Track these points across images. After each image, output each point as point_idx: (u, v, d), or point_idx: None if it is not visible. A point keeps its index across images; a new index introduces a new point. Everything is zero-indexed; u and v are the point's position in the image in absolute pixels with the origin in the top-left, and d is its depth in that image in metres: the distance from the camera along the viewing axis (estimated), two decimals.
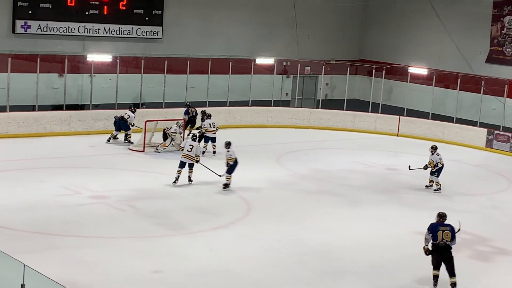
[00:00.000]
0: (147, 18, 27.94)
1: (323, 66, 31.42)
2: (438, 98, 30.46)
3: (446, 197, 20.45)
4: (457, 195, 20.74)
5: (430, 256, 13.24)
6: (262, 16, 31.13)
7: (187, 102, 26.61)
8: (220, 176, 19.53)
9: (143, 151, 23.13)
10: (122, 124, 24.27)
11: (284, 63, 31.48)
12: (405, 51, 32.81)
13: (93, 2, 26.70)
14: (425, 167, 20.88)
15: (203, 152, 23.11)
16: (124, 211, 16.88)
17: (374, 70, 31.26)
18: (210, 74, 28.66)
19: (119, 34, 27.41)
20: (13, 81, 24.84)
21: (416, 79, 30.91)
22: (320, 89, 32.51)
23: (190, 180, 19.64)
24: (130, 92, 27.46)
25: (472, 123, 28.75)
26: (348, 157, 24.79)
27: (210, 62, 28.49)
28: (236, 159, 19.18)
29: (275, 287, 13.14)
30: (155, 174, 20.52)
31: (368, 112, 30.64)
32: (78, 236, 14.97)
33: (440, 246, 12.86)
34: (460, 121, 29.10)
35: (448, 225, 13.00)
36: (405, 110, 30.37)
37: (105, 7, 26.99)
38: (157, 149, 23.30)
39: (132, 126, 24.25)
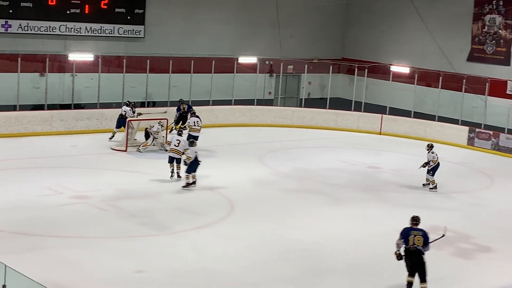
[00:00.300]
0: (129, 17, 27.87)
1: (306, 65, 31.44)
2: (420, 96, 30.58)
3: (428, 195, 20.55)
4: (439, 193, 20.80)
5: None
6: (244, 15, 31.12)
7: (180, 99, 26.71)
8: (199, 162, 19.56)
9: (125, 150, 23.05)
10: (121, 122, 24.22)
11: (267, 62, 31.47)
12: (387, 49, 32.89)
13: (75, 1, 26.59)
14: (424, 165, 21.03)
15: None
16: (107, 211, 16.82)
17: (356, 69, 31.30)
18: (193, 73, 28.59)
19: (100, 33, 27.33)
20: None
21: (398, 77, 30.99)
22: (303, 88, 32.52)
23: (178, 176, 19.77)
24: (113, 91, 27.33)
25: (454, 121, 28.89)
26: (331, 156, 24.81)
27: (192, 61, 28.44)
28: (196, 157, 19.00)
29: (258, 285, 13.14)
30: (137, 173, 20.45)
31: (350, 110, 30.69)
32: (61, 237, 14.90)
33: (411, 250, 12.55)
34: (442, 119, 29.21)
35: (421, 230, 12.62)
36: (388, 108, 30.46)
37: (87, 6, 26.90)
38: (139, 149, 23.22)
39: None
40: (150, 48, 28.36)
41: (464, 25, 30.13)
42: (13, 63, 25.07)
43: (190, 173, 19.04)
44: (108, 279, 12.87)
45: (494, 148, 27.00)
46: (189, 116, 24.39)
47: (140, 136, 23.90)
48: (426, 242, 12.56)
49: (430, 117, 29.63)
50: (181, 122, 25.75)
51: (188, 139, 23.34)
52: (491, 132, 27.43)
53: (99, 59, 26.54)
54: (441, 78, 29.54)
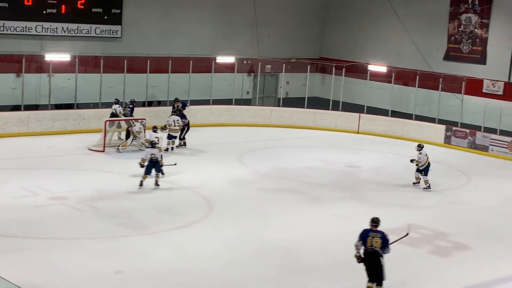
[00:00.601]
0: (106, 17, 27.71)
1: (284, 65, 31.47)
2: (397, 95, 30.72)
3: (406, 193, 20.63)
4: (417, 191, 20.92)
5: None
6: (222, 15, 31.09)
7: (176, 97, 26.69)
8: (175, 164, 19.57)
9: (103, 151, 22.95)
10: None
11: (245, 62, 31.45)
12: (364, 49, 33.00)
13: (51, 1, 26.40)
14: (411, 161, 21.27)
15: (167, 149, 23.27)
16: (85, 211, 16.73)
17: (334, 68, 31.37)
18: (171, 73, 28.54)
19: (77, 33, 27.17)
20: None
21: (376, 76, 31.12)
22: (281, 87, 32.54)
23: (162, 173, 19.80)
24: (90, 91, 27.19)
25: (431, 119, 29.07)
26: (309, 155, 24.85)
27: (170, 61, 28.37)
28: (150, 159, 18.67)
29: (237, 285, 13.13)
30: (115, 174, 20.39)
31: (328, 110, 30.76)
32: (38, 238, 14.80)
33: (368, 252, 12.30)
34: (419, 118, 29.38)
35: (380, 232, 12.36)
36: (365, 107, 30.57)
37: (63, 6, 26.70)
38: (118, 149, 23.12)
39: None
40: (127, 48, 28.21)
41: (440, 24, 30.30)
42: None
43: (146, 174, 18.78)
44: (87, 280, 12.81)
45: (470, 147, 27.18)
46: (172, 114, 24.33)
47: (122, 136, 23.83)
48: (384, 244, 12.27)
49: (408, 116, 29.79)
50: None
51: (168, 138, 23.47)
52: (467, 131, 27.61)
53: (76, 59, 26.37)
54: (418, 77, 29.71)
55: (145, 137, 23.27)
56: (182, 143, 24.47)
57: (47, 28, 26.50)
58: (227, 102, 30.17)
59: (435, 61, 29.97)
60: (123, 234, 15.39)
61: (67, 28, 26.90)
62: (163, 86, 28.46)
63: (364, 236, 12.34)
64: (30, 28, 26.16)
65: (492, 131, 27.12)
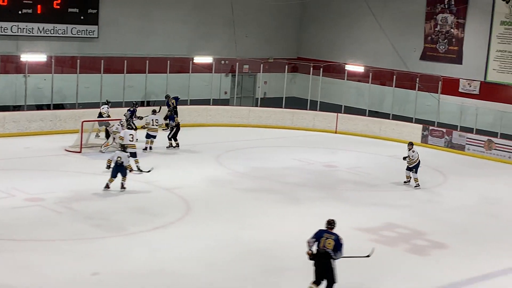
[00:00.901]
0: (82, 17, 27.55)
1: (262, 65, 31.46)
2: (374, 95, 30.82)
3: (383, 192, 20.72)
4: (394, 190, 21.02)
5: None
6: (199, 15, 31.02)
7: (166, 94, 27.08)
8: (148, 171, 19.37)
9: (80, 151, 22.81)
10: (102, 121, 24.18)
11: (223, 62, 31.41)
12: (342, 49, 33.07)
13: (27, 1, 26.19)
14: (404, 158, 21.47)
15: (145, 149, 23.37)
16: (61, 213, 16.62)
17: (312, 68, 31.41)
18: (148, 73, 28.43)
19: (53, 33, 26.98)
20: None
21: (353, 76, 31.22)
22: (259, 87, 32.53)
23: (139, 169, 19.99)
24: (66, 92, 27.06)
25: (408, 119, 29.21)
26: (287, 155, 24.87)
27: (147, 61, 28.29)
28: (116, 161, 18.40)
29: (215, 285, 13.09)
30: (92, 175, 20.24)
31: (306, 109, 30.81)
32: (14, 240, 14.67)
33: (320, 252, 12.13)
34: (396, 117, 29.53)
35: (335, 234, 12.21)
36: (343, 107, 30.64)
37: (39, 6, 26.49)
38: (101, 150, 23.00)
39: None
40: (104, 48, 28.08)
41: (417, 25, 30.46)
42: None
43: (112, 177, 18.51)
44: (64, 281, 12.72)
45: (447, 146, 27.33)
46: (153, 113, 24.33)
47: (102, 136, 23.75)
48: (337, 247, 12.09)
49: (385, 116, 29.93)
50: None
51: (146, 137, 23.42)
52: (444, 130, 27.78)
53: (52, 60, 26.18)
54: (395, 77, 29.86)
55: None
56: (175, 144, 24.29)
57: (23, 28, 26.30)
58: (205, 102, 30.12)
59: (412, 61, 30.11)
60: (100, 235, 15.29)
61: (43, 28, 26.71)
62: (140, 87, 28.37)
63: (318, 235, 12.22)
64: (5, 28, 25.94)
65: (469, 130, 27.33)
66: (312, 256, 12.24)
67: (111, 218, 16.51)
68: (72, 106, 26.74)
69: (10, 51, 26.07)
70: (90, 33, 27.84)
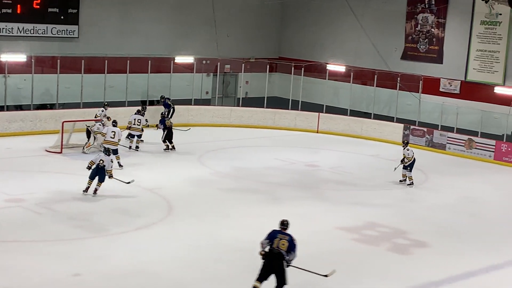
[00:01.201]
0: (62, 17, 27.34)
1: (243, 64, 31.43)
2: (356, 94, 30.88)
3: (365, 192, 20.77)
4: (376, 190, 21.06)
5: None
6: (180, 15, 30.89)
7: (162, 95, 27.58)
8: (127, 182, 18.86)
9: (60, 152, 22.68)
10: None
11: (204, 62, 31.34)
12: (323, 48, 33.09)
13: (6, 1, 25.94)
14: (402, 161, 21.47)
15: (130, 147, 23.45)
16: (42, 214, 16.51)
17: (293, 68, 31.43)
18: (129, 73, 28.30)
19: (33, 33, 26.77)
20: None
21: (334, 76, 31.27)
22: (240, 87, 32.50)
23: (120, 165, 20.10)
24: (47, 92, 26.89)
25: (389, 118, 29.31)
26: (269, 154, 24.86)
27: (128, 61, 28.13)
28: (98, 164, 18.10)
29: (196, 285, 13.07)
30: (73, 175, 20.09)
31: (288, 109, 30.82)
32: None
33: (274, 252, 12.02)
34: (378, 117, 29.60)
35: (288, 235, 12.16)
36: (324, 107, 30.68)
37: (19, 5, 26.27)
38: (84, 151, 22.87)
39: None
40: (84, 48, 27.90)
41: (398, 24, 30.53)
42: None
43: (92, 180, 18.17)
44: (44, 283, 12.66)
45: (428, 145, 27.43)
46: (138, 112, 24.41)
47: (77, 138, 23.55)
48: (291, 248, 12.05)
49: (366, 115, 30.01)
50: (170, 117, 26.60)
51: (130, 137, 23.35)
52: (425, 129, 27.88)
53: (32, 60, 25.98)
54: (376, 76, 29.91)
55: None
56: (171, 147, 24.10)
57: (2, 28, 26.08)
58: (187, 102, 30.04)
59: (393, 61, 30.17)
60: (81, 236, 15.21)
61: (23, 28, 26.51)
62: (121, 87, 28.20)
63: (272, 236, 12.13)
64: None
65: (449, 129, 27.43)
66: (264, 256, 12.15)
67: (93, 219, 16.42)
68: (53, 107, 26.53)
69: None
70: (71, 33, 27.66)
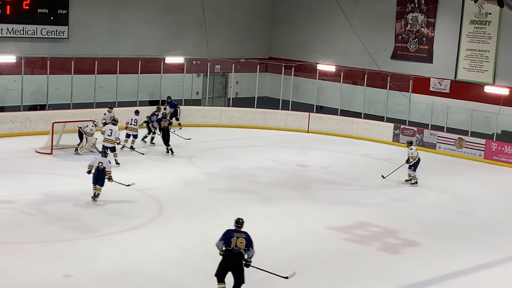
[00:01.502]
0: (52, 18, 27.25)
1: (233, 65, 31.41)
2: (346, 94, 30.89)
3: (355, 191, 20.77)
4: (366, 189, 21.08)
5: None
6: (170, 15, 30.86)
7: (168, 95, 27.83)
8: (128, 185, 18.75)
9: (50, 153, 22.59)
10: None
11: (194, 62, 31.29)
12: (313, 48, 33.11)
13: None
14: (407, 161, 21.66)
15: (123, 147, 23.39)
16: (32, 215, 16.45)
17: (283, 68, 31.41)
18: (119, 74, 28.20)
19: (23, 34, 26.66)
20: None
21: (325, 76, 31.29)
22: (231, 87, 32.47)
23: (117, 163, 20.14)
24: (37, 93, 26.78)
25: (379, 118, 29.33)
26: (260, 155, 24.85)
27: (118, 61, 28.03)
28: (97, 167, 17.75)
29: (189, 286, 13.07)
30: (63, 176, 20.08)
31: (278, 109, 30.80)
32: None
33: (234, 252, 12.02)
34: (368, 116, 29.62)
35: (244, 232, 12.17)
36: (315, 106, 30.69)
37: (8, 6, 26.18)
38: (77, 152, 22.79)
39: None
40: (74, 49, 27.82)
41: (388, 24, 30.59)
42: None
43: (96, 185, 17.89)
44: (35, 284, 12.62)
45: (418, 144, 27.43)
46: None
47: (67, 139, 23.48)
48: (249, 244, 12.08)
49: (357, 115, 30.01)
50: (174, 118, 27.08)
51: (126, 136, 23.49)
52: (415, 129, 27.93)
53: (22, 61, 25.86)
54: (366, 76, 29.94)
55: (96, 138, 23.17)
56: (168, 150, 23.87)
57: None
58: (177, 102, 29.92)
59: (383, 60, 30.20)
60: (72, 237, 15.16)
61: (12, 29, 26.39)
62: (111, 87, 28.12)
63: (227, 236, 12.11)
64: None
65: (440, 128, 27.50)
66: (223, 255, 12.16)
67: (83, 219, 16.36)
68: (43, 108, 26.44)
69: None
70: (60, 34, 27.56)
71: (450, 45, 28.73)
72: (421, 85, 29.14)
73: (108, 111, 24.56)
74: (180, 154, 23.84)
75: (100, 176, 17.70)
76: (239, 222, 12.33)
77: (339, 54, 31.88)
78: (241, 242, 12.01)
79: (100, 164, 17.72)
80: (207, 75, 31.43)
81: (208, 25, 30.60)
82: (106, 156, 18.21)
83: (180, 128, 27.95)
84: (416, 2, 29.54)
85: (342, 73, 30.37)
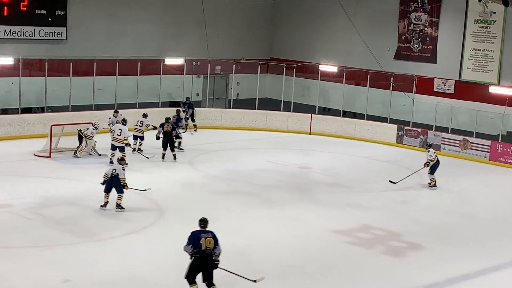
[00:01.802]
0: (50, 19, 27.08)
1: (234, 66, 31.22)
2: (348, 95, 30.72)
3: (358, 194, 20.59)
4: (369, 191, 20.89)
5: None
6: (170, 15, 30.71)
7: (187, 96, 28.30)
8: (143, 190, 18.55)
9: (49, 156, 22.45)
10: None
11: (194, 63, 31.09)
12: (315, 48, 32.96)
13: None
14: (427, 164, 21.46)
15: (134, 149, 23.45)
16: (31, 219, 16.36)
17: (284, 69, 31.24)
18: (118, 75, 28.07)
19: (20, 35, 26.48)
20: None
21: (327, 76, 31.13)
22: (231, 88, 32.29)
23: (125, 163, 19.68)
24: (35, 95, 26.63)
25: (383, 119, 29.17)
26: (261, 157, 24.71)
27: (117, 63, 27.92)
28: (111, 174, 17.35)
29: None
30: (62, 180, 19.97)
31: (280, 111, 30.64)
32: None
33: (206, 254, 12.12)
34: (371, 117, 29.47)
35: (210, 231, 12.28)
36: (317, 108, 30.50)
37: (5, 8, 25.98)
38: (76, 155, 22.61)
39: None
40: (72, 50, 27.63)
41: (390, 23, 30.43)
42: None
43: (108, 192, 17.51)
44: None
45: (422, 146, 27.24)
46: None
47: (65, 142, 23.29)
48: (216, 242, 12.22)
49: (359, 116, 29.91)
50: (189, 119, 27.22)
51: (133, 138, 23.69)
52: (419, 130, 27.74)
53: (20, 63, 25.69)
54: (369, 76, 29.77)
55: (96, 141, 23.07)
56: (164, 156, 23.50)
57: None
58: (177, 104, 29.81)
59: (386, 60, 30.03)
60: (71, 241, 15.06)
61: (10, 31, 26.19)
62: (110, 89, 28.00)
63: (195, 238, 12.18)
64: None
65: (444, 130, 27.33)
66: (194, 257, 12.22)
67: (82, 223, 16.25)
68: (41, 110, 26.22)
69: None
70: (58, 35, 27.39)
71: (454, 45, 28.54)
72: (425, 86, 28.94)
73: (113, 115, 24.29)
74: (180, 157, 23.65)
75: (114, 183, 17.30)
76: (203, 221, 12.39)
77: (341, 54, 31.72)
78: (210, 242, 12.13)
79: (114, 170, 17.36)
80: (207, 76, 31.23)
81: (208, 25, 30.46)
82: (121, 164, 17.78)
83: (196, 130, 28.24)
84: (419, 2, 29.35)
85: (344, 74, 30.18)
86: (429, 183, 21.60)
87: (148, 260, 14.14)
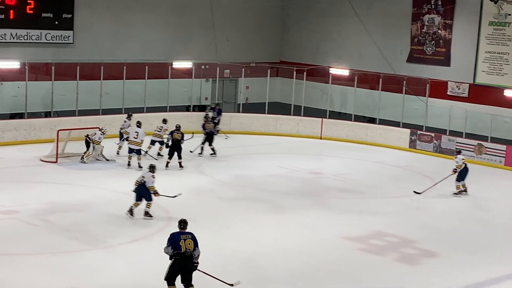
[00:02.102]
0: (56, 22, 27.01)
1: (243, 69, 31.04)
2: (360, 99, 30.50)
3: (370, 200, 20.37)
4: (382, 197, 20.67)
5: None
6: (178, 18, 30.62)
7: (218, 103, 28.57)
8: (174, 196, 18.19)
9: (56, 161, 22.30)
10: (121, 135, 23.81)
11: (203, 67, 30.89)
12: (326, 52, 32.85)
13: None
14: (455, 171, 21.27)
15: (146, 152, 23.28)
16: (37, 225, 16.27)
17: (295, 72, 31.02)
18: (126, 79, 27.96)
19: (27, 39, 26.42)
20: None
21: (338, 80, 30.97)
22: (241, 92, 32.08)
23: (140, 166, 20.42)
24: (41, 100, 26.53)
25: (395, 123, 28.92)
26: (271, 162, 24.54)
27: (125, 66, 27.79)
28: (140, 181, 17.30)
29: None
30: (68, 185, 19.86)
31: (290, 115, 30.43)
32: None
33: (186, 256, 12.17)
34: (383, 122, 29.29)
35: (190, 233, 12.32)
36: (328, 112, 30.22)
37: (12, 11, 25.91)
38: (83, 160, 22.43)
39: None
40: (79, 54, 27.57)
41: (403, 26, 30.24)
42: None
43: (138, 202, 17.30)
44: None
45: (436, 151, 27.04)
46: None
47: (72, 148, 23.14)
48: (196, 244, 12.29)
49: (371, 120, 29.82)
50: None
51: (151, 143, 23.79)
52: (432, 134, 27.45)
53: (26, 67, 25.59)
54: (381, 80, 29.55)
55: (103, 146, 22.93)
56: (168, 164, 23.11)
57: None
58: (185, 108, 29.52)
59: (399, 64, 29.90)
60: (78, 248, 14.98)
61: (16, 34, 26.11)
62: (117, 93, 27.90)
63: (175, 240, 12.27)
64: None
65: (458, 134, 27.10)
66: (177, 259, 12.27)
67: (89, 230, 16.16)
68: (47, 115, 26.17)
69: None
70: (65, 39, 27.31)
71: (468, 47, 28.34)
72: (439, 89, 28.69)
73: (127, 118, 24.20)
74: (188, 162, 23.44)
75: (141, 191, 17.10)
76: (182, 223, 12.50)
77: (352, 57, 31.56)
78: (189, 243, 12.24)
79: (142, 178, 17.17)
80: (216, 80, 31.02)
81: (216, 28, 30.38)
82: (152, 171, 17.40)
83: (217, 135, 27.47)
84: (432, 3, 29.18)
85: (356, 77, 29.94)
86: (455, 192, 21.23)
87: (156, 267, 13.78)
